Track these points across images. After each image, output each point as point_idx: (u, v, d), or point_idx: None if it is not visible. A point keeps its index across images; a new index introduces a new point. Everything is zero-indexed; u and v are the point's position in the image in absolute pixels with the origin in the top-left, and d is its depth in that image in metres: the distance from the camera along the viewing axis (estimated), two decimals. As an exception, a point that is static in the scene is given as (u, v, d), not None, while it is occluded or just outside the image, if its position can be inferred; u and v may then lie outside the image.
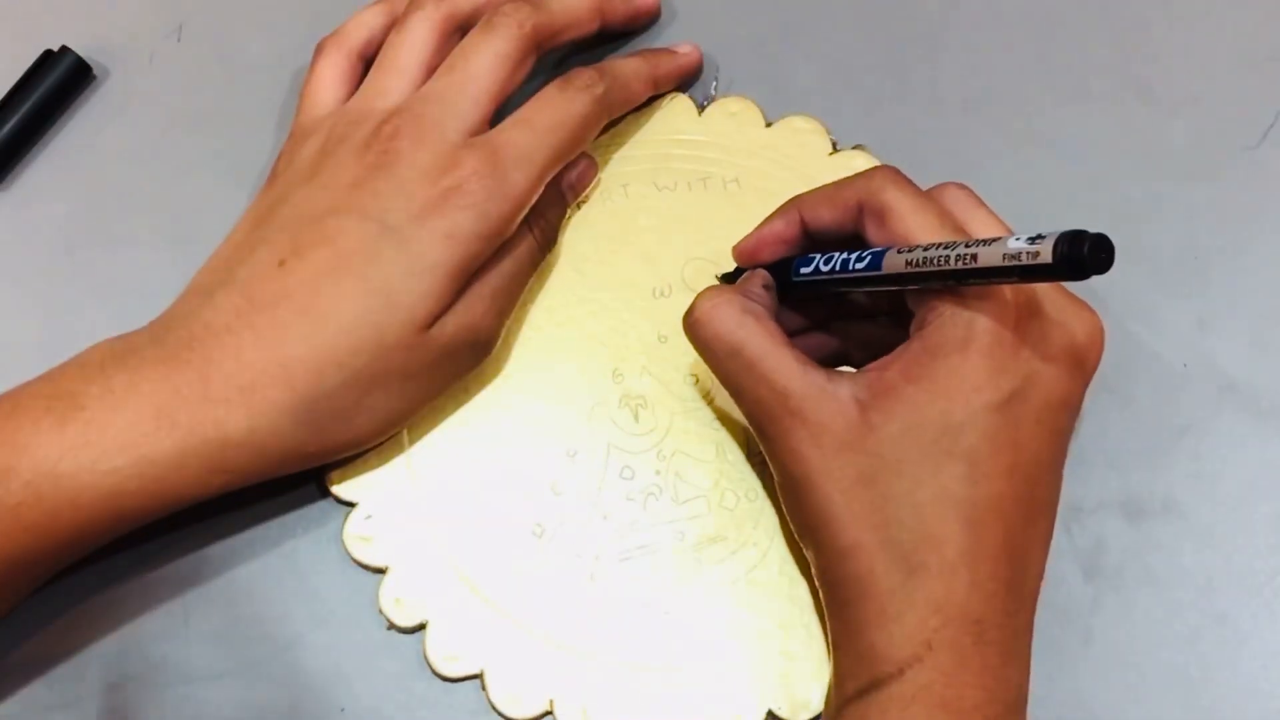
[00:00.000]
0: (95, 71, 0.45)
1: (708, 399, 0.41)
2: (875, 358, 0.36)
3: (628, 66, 0.42)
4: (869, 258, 0.35)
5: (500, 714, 0.38)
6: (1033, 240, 0.30)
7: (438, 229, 0.36)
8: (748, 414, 0.36)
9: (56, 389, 0.35)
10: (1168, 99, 0.44)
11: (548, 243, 0.41)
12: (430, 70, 0.39)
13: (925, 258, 0.33)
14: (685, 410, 0.41)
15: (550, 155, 0.39)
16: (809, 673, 0.38)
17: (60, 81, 0.44)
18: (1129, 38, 0.45)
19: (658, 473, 0.40)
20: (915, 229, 0.34)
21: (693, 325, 0.37)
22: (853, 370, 0.35)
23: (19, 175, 0.44)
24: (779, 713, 0.37)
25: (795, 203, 0.38)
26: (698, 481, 0.40)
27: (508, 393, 0.41)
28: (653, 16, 0.45)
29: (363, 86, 0.40)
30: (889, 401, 0.34)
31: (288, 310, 0.35)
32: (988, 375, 0.33)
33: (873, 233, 0.36)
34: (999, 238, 0.31)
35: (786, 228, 0.38)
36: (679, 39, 0.44)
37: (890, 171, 0.36)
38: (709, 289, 0.37)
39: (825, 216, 0.37)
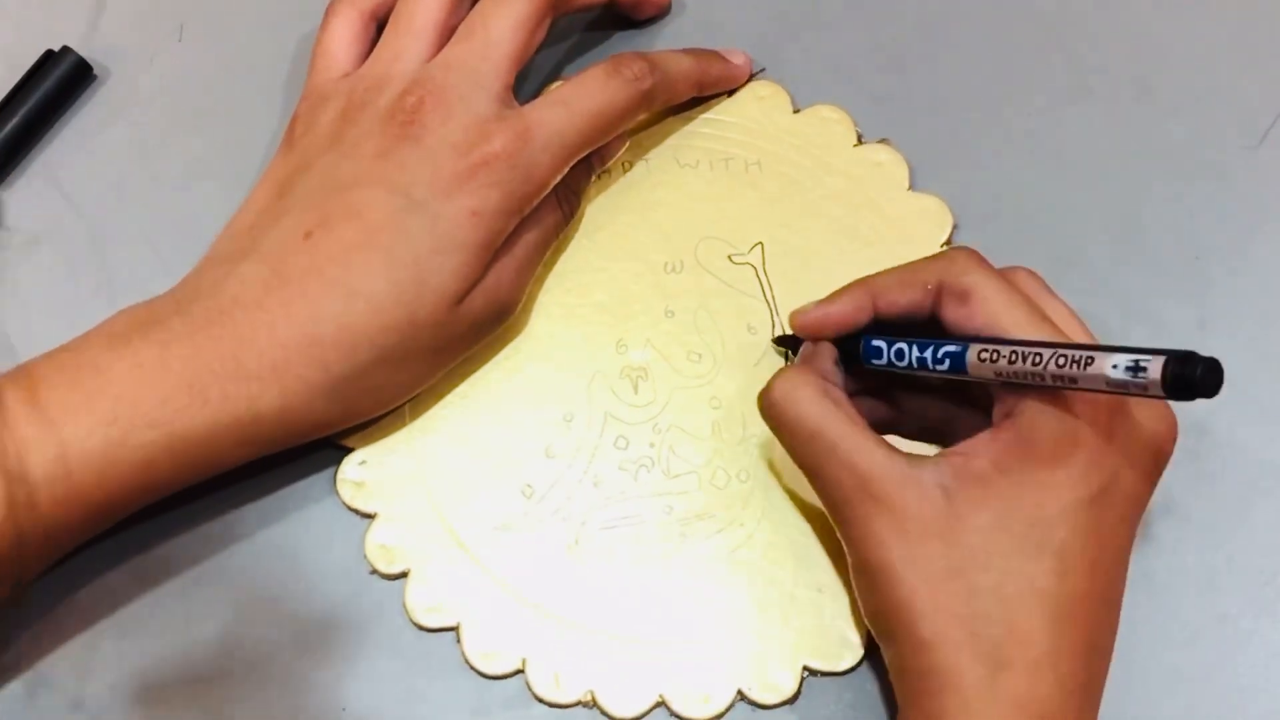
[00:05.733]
0: (96, 71, 0.45)
1: (709, 378, 0.41)
2: (926, 429, 0.35)
3: (679, 66, 0.41)
4: (947, 360, 0.34)
5: (472, 668, 0.38)
6: (1135, 369, 0.29)
7: (464, 206, 0.36)
8: (825, 497, 0.35)
9: (81, 360, 0.34)
10: (1168, 99, 0.44)
11: (572, 212, 0.41)
12: (446, 31, 0.39)
13: (1014, 371, 0.32)
14: (685, 386, 0.41)
15: (581, 140, 0.38)
16: (783, 657, 0.38)
17: (61, 82, 0.44)
18: (1129, 37, 0.45)
19: (652, 445, 0.40)
20: (1002, 313, 0.34)
21: (771, 406, 0.36)
22: (931, 454, 0.34)
23: (20, 175, 0.44)
24: (749, 694, 0.37)
25: (866, 287, 0.37)
26: (691, 457, 0.40)
27: (510, 353, 0.41)
28: (662, 8, 0.45)
29: (377, 48, 0.39)
30: (979, 492, 0.33)
31: (317, 285, 0.35)
32: (1082, 471, 0.32)
33: (952, 312, 0.35)
34: (1092, 355, 0.30)
35: (856, 313, 0.37)
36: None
37: (972, 254, 0.35)
38: (784, 369, 0.36)
39: (900, 301, 0.36)
